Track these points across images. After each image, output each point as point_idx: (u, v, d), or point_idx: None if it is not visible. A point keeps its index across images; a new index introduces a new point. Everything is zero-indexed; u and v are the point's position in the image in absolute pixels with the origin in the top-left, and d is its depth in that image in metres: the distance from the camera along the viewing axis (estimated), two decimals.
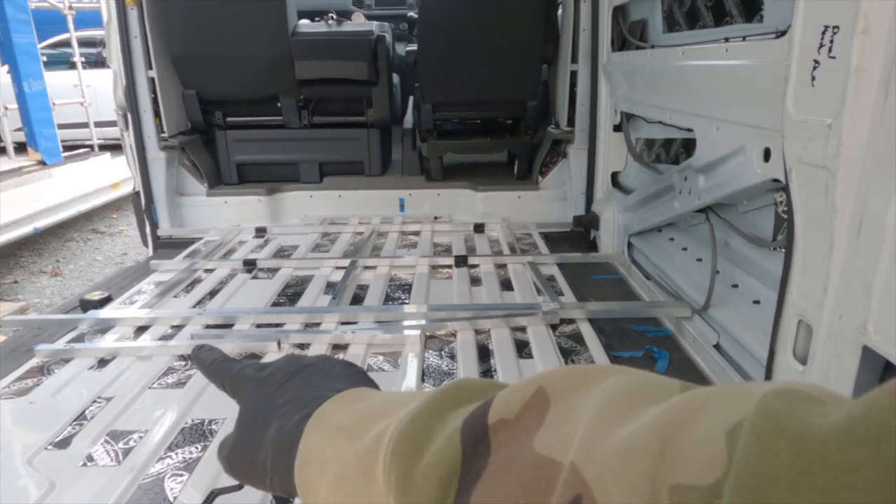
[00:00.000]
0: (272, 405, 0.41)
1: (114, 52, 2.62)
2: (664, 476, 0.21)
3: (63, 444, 1.21)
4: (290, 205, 2.99)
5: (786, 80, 1.05)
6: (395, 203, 2.98)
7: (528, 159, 3.04)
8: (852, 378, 0.91)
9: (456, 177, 3.06)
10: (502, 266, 2.26)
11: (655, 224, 2.08)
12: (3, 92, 5.95)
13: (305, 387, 0.42)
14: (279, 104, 2.95)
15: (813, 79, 0.97)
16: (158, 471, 1.13)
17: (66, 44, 7.24)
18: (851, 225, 0.89)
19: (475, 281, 2.12)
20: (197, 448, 1.19)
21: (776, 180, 1.20)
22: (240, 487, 1.04)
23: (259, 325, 1.77)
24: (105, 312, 1.87)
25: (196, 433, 1.25)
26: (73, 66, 7.05)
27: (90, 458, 1.16)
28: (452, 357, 1.58)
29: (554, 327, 1.73)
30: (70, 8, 6.71)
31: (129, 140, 2.74)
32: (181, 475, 1.11)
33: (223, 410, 1.32)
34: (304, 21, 2.98)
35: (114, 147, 6.76)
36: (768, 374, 1.16)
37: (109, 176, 5.56)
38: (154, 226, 2.80)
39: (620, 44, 2.32)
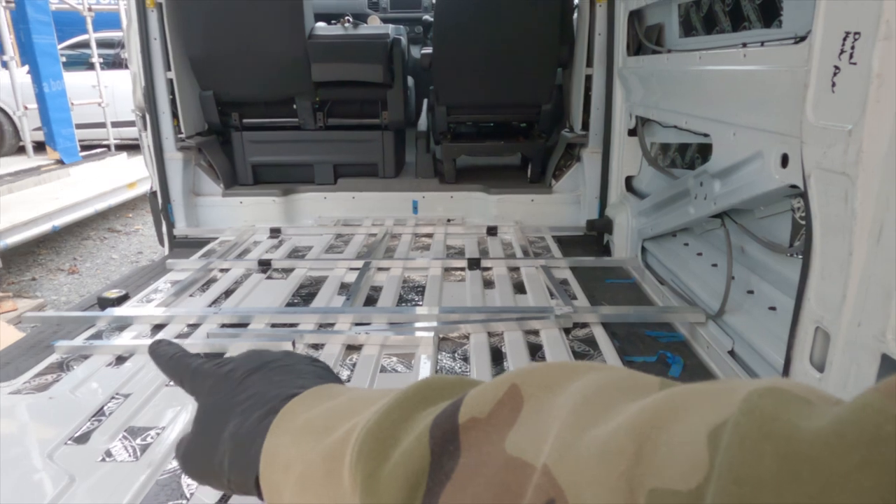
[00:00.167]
0: (231, 402, 0.39)
1: (134, 53, 2.66)
2: (641, 479, 0.20)
3: (82, 439, 1.23)
4: (304, 206, 3.01)
5: (805, 86, 1.04)
6: (408, 205, 2.99)
7: (542, 163, 3.04)
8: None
9: (469, 179, 3.07)
10: (515, 269, 2.26)
11: (670, 229, 2.07)
12: (23, 92, 6.05)
13: (267, 383, 0.40)
14: (295, 106, 2.97)
15: (833, 84, 0.97)
16: (175, 467, 1.14)
17: (85, 45, 7.35)
18: (872, 231, 0.89)
19: (488, 284, 2.13)
20: None
21: (794, 186, 1.20)
22: None
23: (274, 325, 1.79)
24: (122, 310, 1.89)
25: None
26: (91, 66, 7.15)
27: (109, 454, 1.18)
28: (466, 359, 1.58)
29: (567, 331, 1.73)
30: (89, 10, 6.81)
31: (147, 140, 2.77)
32: None
33: None
34: (321, 24, 3.00)
35: (130, 147, 6.86)
36: None
37: (126, 175, 5.63)
38: (170, 225, 2.83)
39: (636, 48, 2.31)
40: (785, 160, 1.22)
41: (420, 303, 1.97)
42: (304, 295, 2.07)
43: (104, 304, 1.93)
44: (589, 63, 2.64)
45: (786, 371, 1.14)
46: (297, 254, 2.53)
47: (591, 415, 0.23)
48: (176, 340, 1.65)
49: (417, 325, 1.75)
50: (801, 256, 1.11)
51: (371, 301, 2.00)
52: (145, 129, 2.75)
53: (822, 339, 1.03)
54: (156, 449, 1.19)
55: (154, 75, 2.67)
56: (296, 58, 2.80)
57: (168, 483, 1.10)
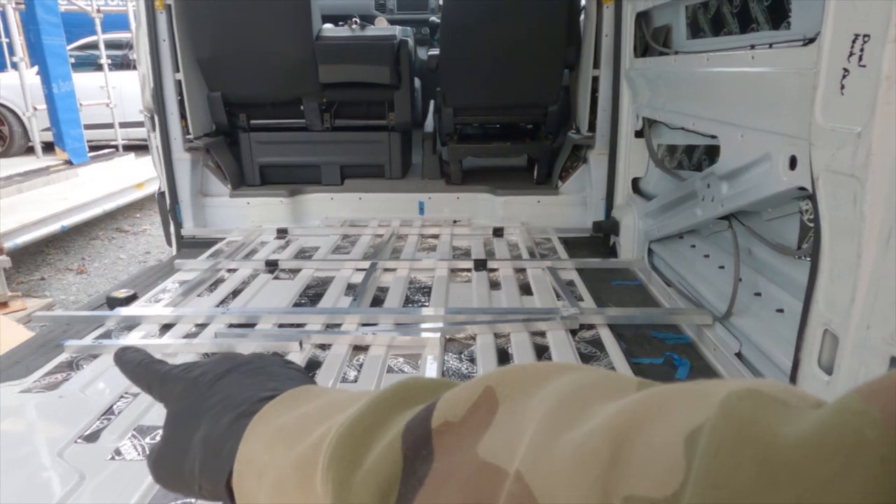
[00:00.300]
0: (202, 407, 0.38)
1: (142, 54, 2.68)
2: (616, 485, 0.19)
3: (92, 437, 1.24)
4: (311, 206, 3.03)
5: (814, 88, 1.04)
6: (414, 206, 3.00)
7: (549, 164, 3.04)
8: None
9: (476, 181, 3.07)
10: (521, 270, 2.26)
11: (677, 231, 2.07)
12: (32, 93, 6.09)
13: (237, 387, 0.38)
14: (302, 107, 2.99)
15: (842, 87, 0.97)
16: None
17: (94, 46, 7.40)
18: (881, 234, 0.89)
19: (494, 285, 2.13)
20: None
21: (802, 188, 1.20)
22: None
23: (281, 325, 1.79)
24: (131, 310, 1.91)
25: None
26: (99, 67, 7.20)
27: (118, 452, 1.19)
28: (472, 360, 1.58)
29: (573, 332, 1.73)
30: (98, 11, 6.86)
31: (155, 141, 2.79)
32: None
33: None
34: (328, 25, 3.01)
35: (138, 147, 6.90)
36: (792, 384, 1.15)
37: (133, 176, 5.67)
38: (178, 225, 2.84)
39: (643, 50, 2.31)
40: (793, 162, 1.22)
41: (426, 304, 1.98)
42: (311, 295, 2.07)
43: (113, 303, 1.95)
44: (596, 64, 2.64)
45: (794, 373, 1.14)
46: (303, 254, 2.54)
47: (567, 417, 0.23)
48: (184, 340, 1.66)
49: (424, 325, 1.75)
50: (809, 259, 1.10)
51: (378, 302, 2.00)
52: (154, 129, 2.76)
53: (831, 342, 1.03)
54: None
55: (163, 76, 2.69)
56: (303, 59, 2.82)
57: None
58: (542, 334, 1.71)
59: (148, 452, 0.43)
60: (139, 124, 3.06)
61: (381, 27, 3.19)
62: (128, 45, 7.93)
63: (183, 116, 2.79)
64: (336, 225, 2.92)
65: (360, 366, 1.55)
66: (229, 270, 2.31)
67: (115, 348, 1.60)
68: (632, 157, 2.47)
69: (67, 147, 6.14)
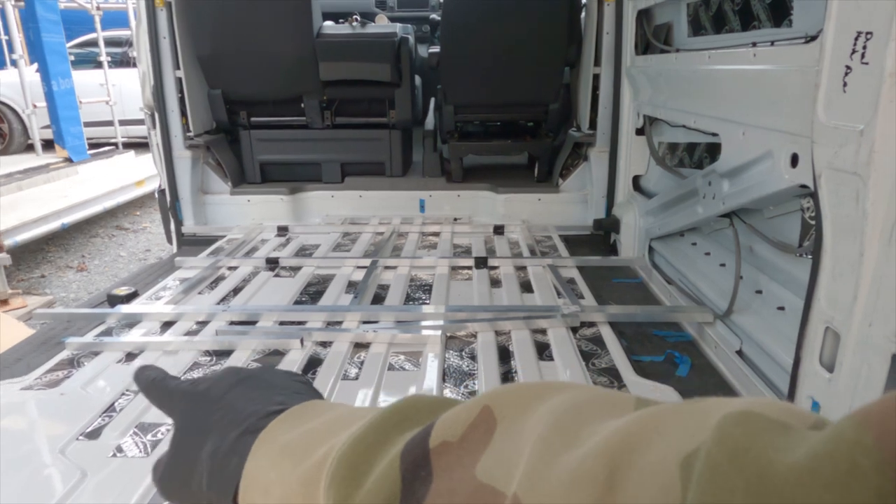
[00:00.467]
0: (208, 422, 0.38)
1: (143, 52, 2.67)
2: None
3: (93, 434, 1.24)
4: (311, 204, 3.02)
5: (816, 86, 1.04)
6: (415, 204, 3.00)
7: (549, 162, 3.03)
8: (881, 387, 0.91)
9: (476, 178, 3.07)
10: (522, 268, 2.26)
11: (678, 228, 2.07)
12: (32, 90, 6.08)
13: (244, 401, 0.39)
14: (303, 105, 2.98)
15: (845, 84, 0.97)
16: None
17: (94, 43, 7.38)
18: (883, 232, 0.89)
19: (495, 282, 2.13)
20: None
21: (804, 186, 1.19)
22: None
23: (282, 323, 1.79)
24: (132, 307, 1.91)
25: None
26: (99, 65, 7.18)
27: (120, 449, 1.19)
28: (473, 358, 1.58)
29: (574, 330, 1.73)
30: (97, 8, 6.84)
31: (155, 139, 2.79)
32: None
33: None
34: (329, 23, 3.01)
35: (138, 145, 6.89)
36: (793, 381, 1.15)
37: (133, 174, 5.66)
38: (179, 223, 2.84)
39: (644, 47, 2.31)
40: (795, 160, 1.21)
41: (427, 301, 1.98)
42: (312, 293, 2.07)
43: (114, 301, 1.94)
44: (597, 62, 2.64)
45: (795, 371, 1.14)
46: (304, 252, 2.54)
47: (563, 438, 0.23)
48: (185, 337, 1.66)
49: (425, 323, 1.75)
50: (810, 256, 1.10)
51: (378, 299, 2.00)
52: (154, 127, 2.76)
53: (832, 340, 1.03)
54: (166, 444, 1.19)
55: (163, 74, 2.68)
56: (304, 57, 2.81)
57: None
58: (543, 332, 1.71)
59: (153, 466, 0.43)
60: (139, 122, 3.06)
61: (381, 24, 3.18)
62: (128, 43, 7.91)
63: (183, 114, 2.79)
64: (337, 223, 2.92)
65: (361, 363, 1.55)
66: (230, 268, 2.31)
67: (115, 346, 1.61)
68: (633, 155, 2.47)
69: (67, 145, 6.13)
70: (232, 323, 1.79)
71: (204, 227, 2.90)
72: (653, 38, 2.23)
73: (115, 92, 7.10)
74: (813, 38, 1.13)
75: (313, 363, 1.55)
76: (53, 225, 4.26)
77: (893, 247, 0.87)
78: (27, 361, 1.59)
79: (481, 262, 2.27)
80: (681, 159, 2.38)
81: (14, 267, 4.10)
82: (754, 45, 1.49)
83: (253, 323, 1.79)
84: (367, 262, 2.28)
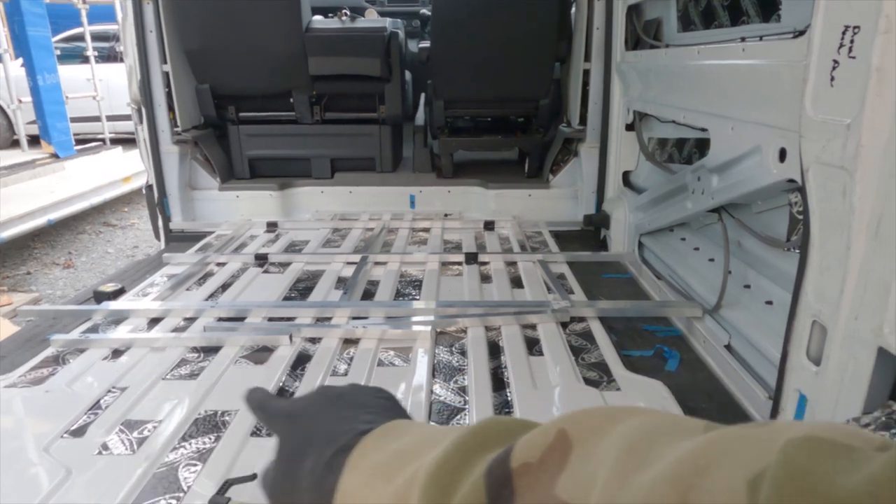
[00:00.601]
0: (305, 441, 0.43)
1: (129, 46, 2.64)
2: None
3: (79, 432, 1.23)
4: (301, 200, 3.01)
5: (804, 80, 1.04)
6: (405, 200, 2.99)
7: (540, 157, 3.03)
8: (867, 380, 0.91)
9: (467, 174, 3.07)
10: (512, 264, 2.26)
11: (667, 224, 2.07)
12: (17, 85, 6.00)
13: (336, 420, 0.43)
14: (292, 100, 2.96)
15: (832, 79, 0.97)
16: (172, 460, 1.14)
17: (80, 38, 7.28)
18: (870, 226, 0.89)
19: (485, 278, 2.13)
20: (210, 439, 1.20)
21: (791, 181, 1.20)
22: (253, 477, 1.06)
23: (271, 319, 1.78)
24: (119, 304, 1.88)
25: (209, 424, 1.26)
26: (85, 60, 7.09)
27: (105, 447, 1.18)
28: (463, 353, 1.58)
29: (564, 325, 1.73)
30: (84, 2, 6.74)
31: (142, 134, 2.76)
32: (195, 465, 1.12)
33: (236, 402, 1.33)
34: (318, 17, 2.99)
35: (125, 141, 6.82)
36: (781, 375, 1.16)
37: (121, 170, 5.60)
38: (166, 219, 2.82)
39: (634, 43, 2.31)
40: (783, 154, 1.22)
41: (417, 297, 1.97)
42: (302, 289, 2.06)
43: (100, 297, 1.92)
44: (587, 58, 2.64)
45: (782, 364, 1.14)
46: (293, 248, 2.52)
47: (636, 460, 0.24)
48: (172, 334, 1.65)
49: (415, 319, 1.75)
50: (798, 251, 1.11)
51: (368, 295, 1.99)
52: (141, 122, 2.73)
53: (819, 333, 1.03)
54: (153, 441, 1.18)
55: (150, 68, 2.65)
56: (293, 51, 2.79)
57: (165, 475, 1.09)
58: (533, 327, 1.71)
59: (262, 474, 0.47)
60: (127, 117, 3.02)
61: (371, 19, 3.16)
62: (115, 38, 7.82)
63: (171, 109, 2.76)
64: (326, 218, 2.91)
65: (351, 359, 1.54)
66: (218, 264, 2.29)
67: (102, 343, 1.59)
68: (622, 151, 2.47)
69: (53, 140, 6.06)
70: (220, 319, 1.77)
71: (192, 223, 2.88)
72: (643, 34, 2.24)
73: (102, 87, 7.02)
74: (801, 33, 1.13)
75: (302, 359, 1.55)
76: (39, 221, 4.21)
77: (880, 240, 0.88)
78: (11, 359, 1.56)
79: (471, 258, 2.26)
80: (670, 155, 2.38)
81: (0, 264, 4.05)
82: (743, 40, 1.49)
83: (241, 319, 1.78)
84: (356, 257, 2.27)
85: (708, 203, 1.66)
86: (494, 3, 2.67)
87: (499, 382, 1.44)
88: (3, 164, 5.42)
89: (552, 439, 0.28)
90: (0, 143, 7.30)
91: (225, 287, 2.07)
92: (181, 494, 1.05)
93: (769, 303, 1.50)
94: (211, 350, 1.59)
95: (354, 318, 1.76)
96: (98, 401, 1.35)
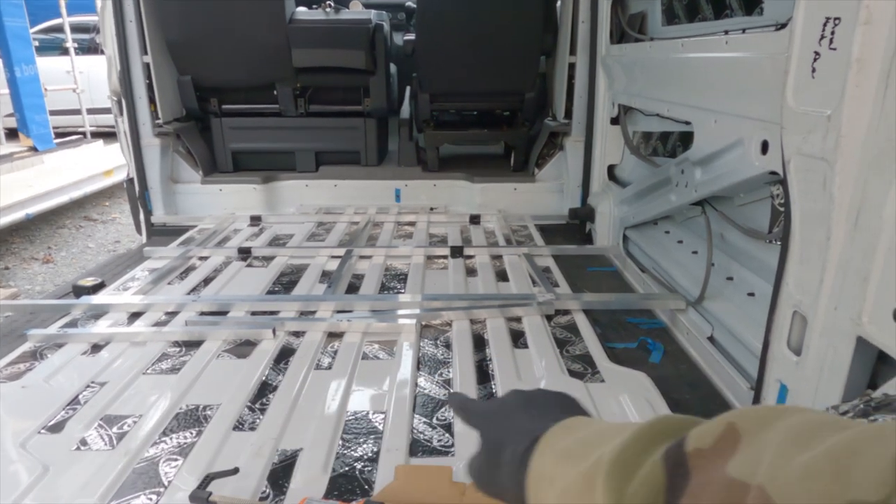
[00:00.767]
0: (505, 434, 0.52)
1: (108, 36, 2.59)
2: (840, 493, 0.25)
3: (56, 428, 1.21)
4: (285, 193, 2.98)
5: (786, 72, 1.05)
6: (391, 193, 2.97)
7: (525, 151, 3.03)
8: (846, 368, 0.92)
9: (452, 168, 3.06)
10: (498, 257, 2.26)
11: (651, 217, 2.08)
12: None
13: (529, 419, 0.51)
14: (275, 92, 2.93)
15: (813, 70, 0.97)
16: (153, 455, 1.12)
17: (59, 29, 7.15)
18: (849, 216, 0.90)
19: (471, 271, 2.12)
20: (191, 433, 1.19)
21: (773, 173, 1.21)
22: (235, 472, 1.05)
23: (254, 313, 1.76)
24: (98, 298, 1.85)
25: (190, 419, 1.24)
26: (65, 51, 6.96)
27: (84, 443, 1.16)
28: (448, 346, 1.58)
29: (549, 318, 1.73)
30: None
31: (123, 126, 2.71)
32: (176, 460, 1.11)
33: (218, 396, 1.32)
34: (302, 8, 2.95)
35: (106, 135, 6.71)
36: (762, 365, 1.17)
37: (102, 163, 5.51)
38: (148, 213, 2.78)
39: (619, 36, 2.31)
40: (765, 147, 1.23)
41: (402, 291, 1.96)
42: (285, 283, 2.04)
43: (79, 292, 1.89)
44: (572, 51, 2.64)
45: (764, 355, 1.15)
46: (278, 242, 2.50)
47: (798, 445, 0.29)
48: (154, 328, 1.63)
49: (400, 312, 1.74)
50: (779, 243, 1.12)
51: (353, 289, 1.98)
52: (121, 114, 2.69)
53: (800, 323, 1.04)
54: (133, 437, 1.16)
55: (130, 59, 2.61)
56: (276, 43, 2.76)
57: (146, 471, 1.08)
58: (518, 320, 1.71)
59: (468, 464, 0.56)
60: (108, 110, 2.96)
61: (355, 11, 3.14)
62: (95, 29, 7.68)
63: (152, 101, 2.72)
64: (311, 212, 2.88)
65: (335, 353, 1.53)
66: (201, 258, 2.26)
67: (81, 337, 1.57)
68: (608, 145, 2.48)
69: (32, 133, 5.95)
70: (202, 313, 1.75)
71: (174, 216, 2.84)
72: (627, 27, 2.24)
73: (82, 79, 6.89)
74: (783, 26, 1.14)
75: (285, 353, 1.53)
76: (17, 215, 4.13)
77: (859, 231, 0.89)
78: None
79: (457, 252, 2.26)
80: (654, 148, 2.39)
81: None
82: (726, 33, 1.50)
83: (224, 313, 1.76)
84: (341, 251, 2.25)
85: (691, 196, 1.67)
86: None
87: (484, 375, 1.44)
88: None
89: (722, 430, 0.33)
90: None
91: (207, 281, 2.05)
92: (161, 489, 1.03)
93: (751, 294, 1.51)
94: (193, 344, 1.57)
95: (339, 312, 1.75)
96: (77, 396, 1.32)
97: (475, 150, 3.42)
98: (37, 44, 6.43)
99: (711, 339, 1.54)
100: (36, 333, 1.60)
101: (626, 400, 1.29)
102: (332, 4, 2.94)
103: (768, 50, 1.19)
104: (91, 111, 7.04)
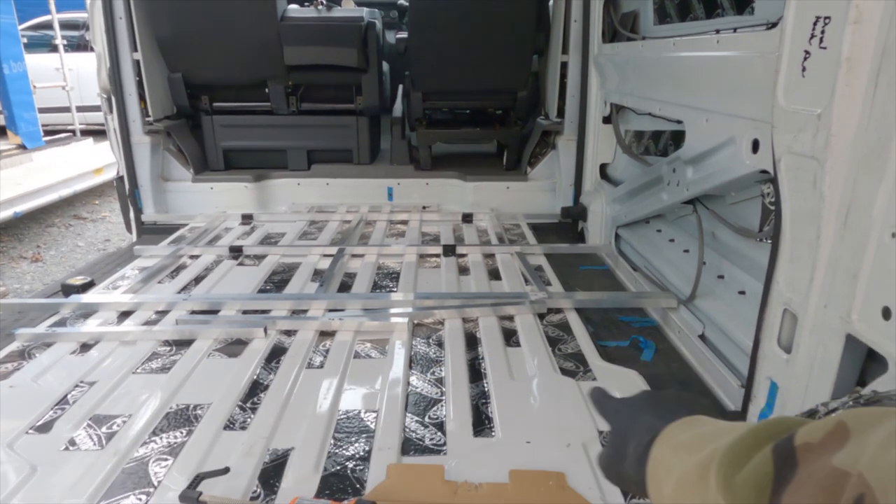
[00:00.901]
0: (630, 430, 0.57)
1: (98, 33, 2.57)
2: None
3: (44, 428, 1.20)
4: (277, 192, 2.96)
5: (776, 71, 1.05)
6: (383, 192, 2.97)
7: (518, 150, 3.03)
8: (836, 366, 0.93)
9: (445, 166, 3.05)
10: (490, 256, 2.26)
11: (643, 215, 2.09)
12: None
13: (655, 416, 0.55)
14: (267, 90, 2.91)
15: (804, 69, 0.98)
16: (143, 455, 1.11)
17: (48, 26, 7.08)
18: (839, 214, 0.90)
19: (463, 270, 2.12)
20: (182, 433, 1.18)
21: (764, 171, 1.21)
22: (226, 471, 1.04)
23: (245, 312, 1.76)
24: (88, 297, 1.84)
25: (181, 418, 1.24)
26: (54, 48, 6.89)
27: (72, 443, 1.15)
28: (440, 345, 1.57)
29: (541, 316, 1.73)
30: None
31: (113, 124, 2.69)
32: (166, 459, 1.10)
33: (209, 396, 1.31)
34: (294, 6, 2.94)
35: (96, 132, 6.65)
36: (753, 363, 1.17)
37: (92, 161, 5.46)
38: (138, 211, 2.76)
39: (611, 35, 2.32)
40: (756, 145, 1.23)
41: (395, 289, 1.96)
42: (277, 281, 2.03)
43: (68, 290, 1.87)
44: (565, 50, 2.64)
45: (754, 352, 1.16)
46: (269, 240, 2.49)
47: None
48: (144, 327, 1.62)
49: (392, 311, 1.73)
50: (770, 241, 1.12)
51: (345, 288, 1.98)
52: (111, 111, 2.66)
53: (790, 321, 1.05)
54: (123, 436, 1.16)
55: (119, 56, 2.59)
56: (268, 40, 2.74)
57: (135, 471, 1.07)
58: (511, 318, 1.71)
59: (599, 455, 0.62)
60: (98, 108, 2.94)
61: (347, 8, 3.13)
62: (85, 26, 7.61)
63: (142, 98, 2.70)
64: (303, 211, 2.87)
65: (327, 352, 1.52)
66: (192, 257, 2.25)
67: (70, 336, 1.55)
68: (600, 144, 2.48)
69: (21, 131, 5.89)
70: (193, 312, 1.74)
71: (165, 215, 2.82)
72: (619, 26, 2.24)
73: (72, 77, 6.83)
74: (774, 25, 1.14)
75: (277, 352, 1.52)
76: (6, 213, 4.09)
77: (849, 229, 0.89)
78: None
79: (450, 250, 2.26)
80: (646, 147, 2.40)
81: None
82: (718, 32, 1.50)
83: (215, 312, 1.75)
84: (333, 250, 2.24)
85: (683, 194, 1.67)
86: None
87: (476, 374, 1.44)
88: None
89: (833, 426, 0.35)
90: None
91: (198, 280, 2.03)
92: (151, 490, 1.02)
93: (742, 293, 1.52)
94: (183, 343, 1.56)
95: (331, 311, 1.75)
96: (65, 395, 1.31)
97: (468, 149, 3.42)
98: (25, 41, 6.37)
99: (703, 337, 1.55)
100: (24, 332, 1.58)
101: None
102: (325, 2, 2.93)
103: (759, 49, 1.20)
104: (80, 109, 6.98)
